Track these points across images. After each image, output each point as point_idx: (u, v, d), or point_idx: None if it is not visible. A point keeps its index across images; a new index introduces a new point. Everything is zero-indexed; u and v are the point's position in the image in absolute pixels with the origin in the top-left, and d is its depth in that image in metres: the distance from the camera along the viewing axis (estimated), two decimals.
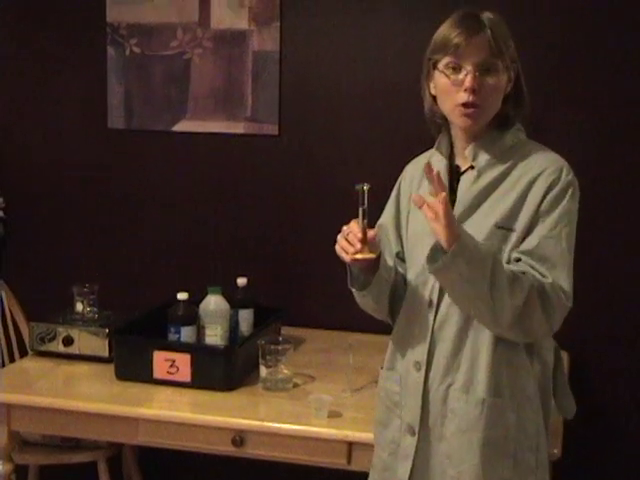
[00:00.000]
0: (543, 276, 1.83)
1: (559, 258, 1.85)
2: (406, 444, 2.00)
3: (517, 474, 1.92)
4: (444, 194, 1.76)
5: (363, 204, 1.93)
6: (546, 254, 1.85)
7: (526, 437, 1.92)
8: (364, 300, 2.06)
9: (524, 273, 1.83)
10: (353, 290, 2.05)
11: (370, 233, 1.90)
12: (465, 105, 1.90)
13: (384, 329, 2.21)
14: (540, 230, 1.87)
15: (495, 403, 1.90)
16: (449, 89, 1.92)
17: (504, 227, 1.89)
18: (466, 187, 1.97)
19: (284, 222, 3.33)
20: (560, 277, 1.84)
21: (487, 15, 1.92)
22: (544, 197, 1.88)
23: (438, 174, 1.79)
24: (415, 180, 2.12)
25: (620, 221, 3.03)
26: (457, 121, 1.95)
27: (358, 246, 1.90)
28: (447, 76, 1.91)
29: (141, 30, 3.35)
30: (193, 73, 3.33)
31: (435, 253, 1.82)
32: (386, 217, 2.16)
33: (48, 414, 2.59)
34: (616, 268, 3.04)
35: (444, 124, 2.04)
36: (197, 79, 3.34)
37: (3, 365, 3.14)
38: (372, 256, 1.91)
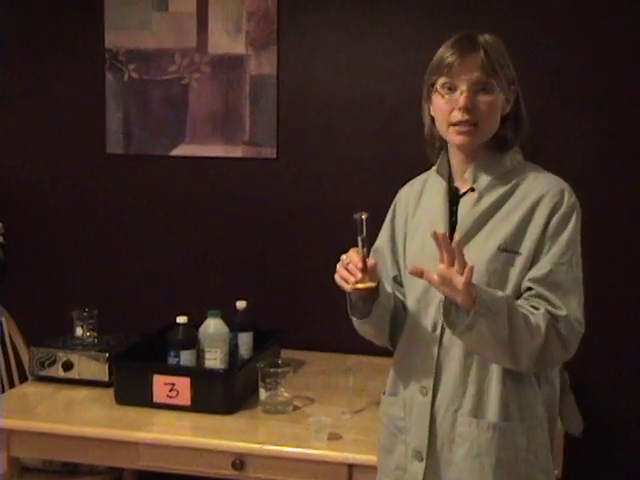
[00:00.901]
0: (556, 307, 1.83)
1: (571, 285, 1.85)
2: (414, 470, 1.98)
3: None
4: (470, 266, 1.72)
5: (362, 233, 1.93)
6: (558, 281, 1.84)
7: (537, 459, 1.91)
8: (364, 328, 2.06)
9: (537, 308, 1.82)
10: (353, 319, 2.05)
11: (370, 262, 1.90)
12: (460, 123, 1.91)
13: (384, 351, 2.21)
14: (550, 257, 1.86)
15: (506, 427, 1.89)
16: (444, 109, 1.93)
17: (508, 250, 1.88)
18: (467, 210, 1.96)
19: (283, 245, 3.34)
20: (573, 305, 1.84)
21: (484, 37, 1.93)
22: (549, 220, 1.88)
23: (444, 237, 1.76)
24: (410, 204, 2.11)
25: (620, 234, 3.05)
26: (453, 140, 1.95)
27: (359, 275, 1.90)
28: (442, 96, 1.93)
29: (139, 56, 3.38)
30: (191, 98, 3.36)
31: (449, 308, 1.82)
32: (381, 241, 2.15)
33: (48, 439, 2.58)
34: (616, 280, 3.06)
35: (443, 146, 2.05)
36: (195, 104, 3.36)
37: (3, 390, 3.14)
38: (373, 285, 1.91)
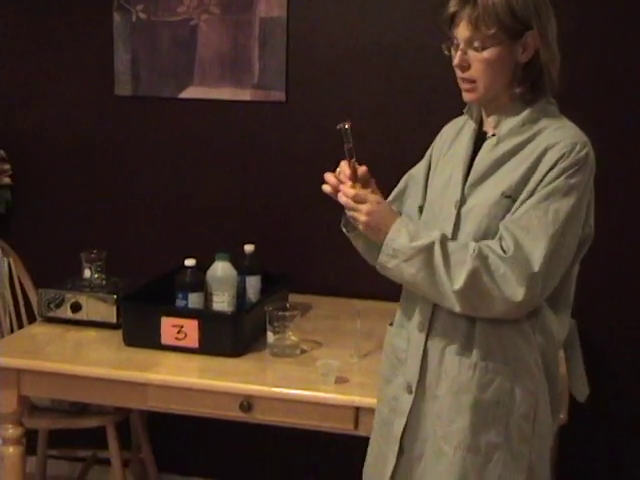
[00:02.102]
0: (505, 250, 1.83)
1: (540, 229, 1.83)
2: (403, 401, 2.03)
3: (507, 440, 1.92)
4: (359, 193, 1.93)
5: (349, 142, 1.99)
6: (529, 225, 1.83)
7: (521, 405, 1.92)
8: (357, 243, 2.10)
9: (475, 251, 1.83)
10: (344, 232, 2.11)
11: (361, 169, 1.98)
12: (461, 81, 1.93)
13: (392, 296, 2.21)
14: (530, 201, 1.85)
15: (487, 367, 1.91)
16: (454, 64, 1.94)
17: (510, 196, 1.88)
18: (484, 154, 1.96)
19: (292, 189, 3.33)
20: (534, 248, 1.82)
21: None
22: (549, 170, 1.85)
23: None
24: (447, 141, 2.12)
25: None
26: (463, 98, 1.97)
27: (348, 184, 1.96)
28: (451, 50, 1.94)
29: None
30: (200, 39, 3.32)
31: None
32: (417, 169, 2.19)
33: (57, 379, 2.61)
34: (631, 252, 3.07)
35: None
36: (204, 45, 3.32)
37: (12, 331, 3.16)
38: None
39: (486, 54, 1.88)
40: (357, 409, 2.38)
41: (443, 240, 1.88)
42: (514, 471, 1.93)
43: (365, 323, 2.72)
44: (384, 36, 3.16)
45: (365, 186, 1.97)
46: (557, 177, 1.84)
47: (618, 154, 2.97)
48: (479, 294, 1.84)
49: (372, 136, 3.18)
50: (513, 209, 1.87)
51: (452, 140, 2.10)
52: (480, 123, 2.03)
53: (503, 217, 1.88)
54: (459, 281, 1.83)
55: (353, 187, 1.96)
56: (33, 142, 3.55)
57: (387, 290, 2.20)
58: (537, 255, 1.82)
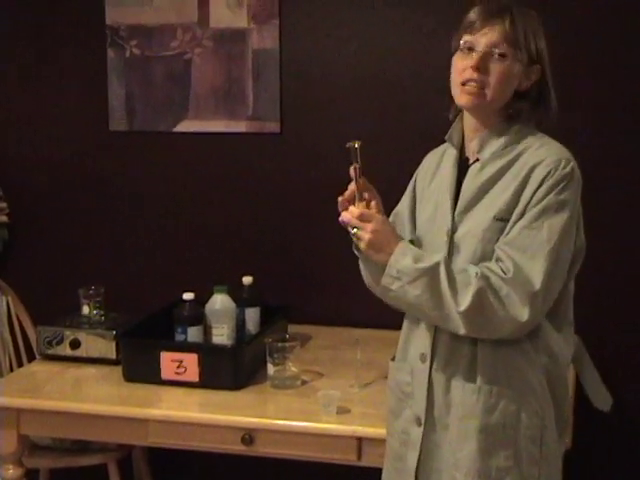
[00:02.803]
0: (505, 272, 1.83)
1: (537, 248, 1.83)
2: (414, 434, 2.01)
3: (517, 464, 1.91)
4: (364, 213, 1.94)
5: (357, 161, 2.00)
6: (524, 244, 1.83)
7: (528, 427, 1.91)
8: (369, 269, 2.04)
9: (478, 273, 1.83)
10: (360, 263, 2.07)
11: (366, 195, 1.99)
12: (468, 82, 1.90)
13: (391, 324, 2.21)
14: (523, 221, 1.85)
15: (491, 391, 1.90)
16: (459, 66, 1.92)
17: (502, 219, 1.89)
18: (470, 180, 1.97)
19: (288, 220, 3.33)
20: (533, 266, 1.82)
21: (520, 8, 1.91)
22: (537, 189, 1.86)
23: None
24: (429, 172, 2.12)
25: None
26: (459, 100, 1.94)
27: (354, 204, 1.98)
28: (462, 53, 1.92)
29: (141, 31, 3.35)
30: (194, 73, 3.33)
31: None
32: (402, 206, 2.18)
33: (57, 417, 2.59)
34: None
35: (460, 113, 2.04)
36: (198, 79, 3.33)
37: (11, 370, 3.15)
38: None
39: (505, 65, 1.89)
40: (359, 439, 2.36)
41: (447, 262, 1.88)
42: None
43: (365, 352, 2.71)
44: (377, 66, 3.18)
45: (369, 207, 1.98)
46: (546, 195, 1.85)
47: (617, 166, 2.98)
48: (485, 315, 1.84)
49: (366, 166, 3.18)
50: (505, 231, 1.87)
51: (434, 170, 2.10)
52: (461, 150, 2.03)
53: (497, 240, 1.88)
54: (465, 302, 1.83)
55: (358, 207, 1.96)
56: (29, 179, 3.55)
57: (386, 318, 2.20)
58: (537, 274, 1.82)
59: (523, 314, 1.82)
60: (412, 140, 3.15)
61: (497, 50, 1.88)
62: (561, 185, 1.85)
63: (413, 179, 2.19)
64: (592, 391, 2.08)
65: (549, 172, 1.86)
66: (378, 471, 2.29)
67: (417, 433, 2.00)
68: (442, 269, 1.85)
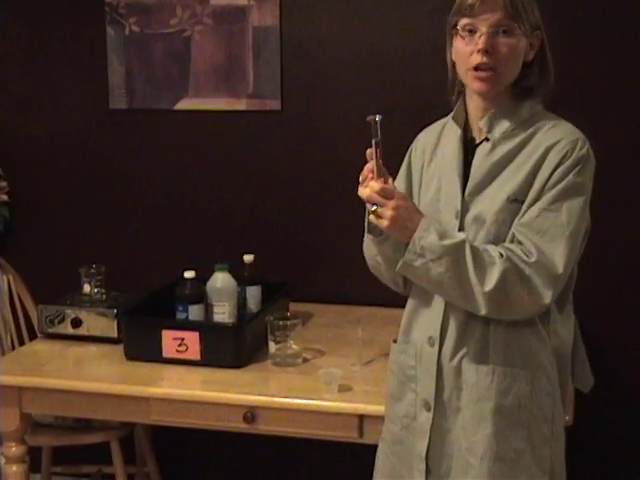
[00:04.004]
0: (528, 255, 1.82)
1: (557, 231, 1.82)
2: (422, 420, 1.99)
3: (531, 445, 1.91)
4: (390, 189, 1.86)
5: (376, 136, 1.92)
6: (544, 227, 1.83)
7: (540, 408, 1.91)
8: (379, 248, 1.99)
9: (502, 256, 1.82)
10: (368, 240, 2.01)
11: (385, 176, 1.90)
12: (478, 68, 1.86)
13: (392, 302, 2.21)
14: (541, 203, 1.84)
15: (505, 372, 1.89)
16: (464, 51, 1.89)
17: (517, 200, 1.87)
18: (480, 161, 1.94)
19: (289, 198, 3.32)
20: (555, 250, 1.82)
21: None
22: (555, 170, 1.84)
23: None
24: (427, 151, 2.07)
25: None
26: (472, 86, 1.91)
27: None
28: (463, 38, 1.88)
29: (140, 8, 3.32)
30: (194, 50, 3.31)
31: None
32: (398, 187, 2.08)
33: (59, 396, 2.59)
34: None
35: (463, 92, 2.00)
36: (198, 56, 3.32)
37: (13, 348, 3.15)
38: None
39: (512, 42, 1.86)
40: (361, 417, 2.36)
41: (468, 241, 1.86)
42: (538, 475, 1.92)
43: (366, 330, 2.71)
44: (378, 43, 3.16)
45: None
46: (564, 176, 1.84)
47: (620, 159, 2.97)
48: (509, 296, 1.83)
49: (367, 143, 3.17)
50: (521, 212, 1.86)
51: (432, 149, 2.06)
52: (464, 129, 1.99)
53: (512, 222, 1.87)
54: (490, 282, 1.81)
55: (378, 182, 1.87)
56: (30, 158, 3.54)
57: (388, 297, 2.19)
58: (559, 257, 1.82)
59: (546, 297, 1.83)
60: (413, 118, 3.12)
61: (502, 28, 1.85)
62: (579, 167, 1.84)
63: (406, 162, 2.14)
64: (577, 370, 2.08)
65: (566, 153, 1.84)
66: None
67: (426, 418, 1.98)
68: (467, 247, 1.83)
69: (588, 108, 2.96)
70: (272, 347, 2.63)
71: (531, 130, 1.91)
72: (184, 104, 3.35)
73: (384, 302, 2.38)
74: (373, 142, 1.92)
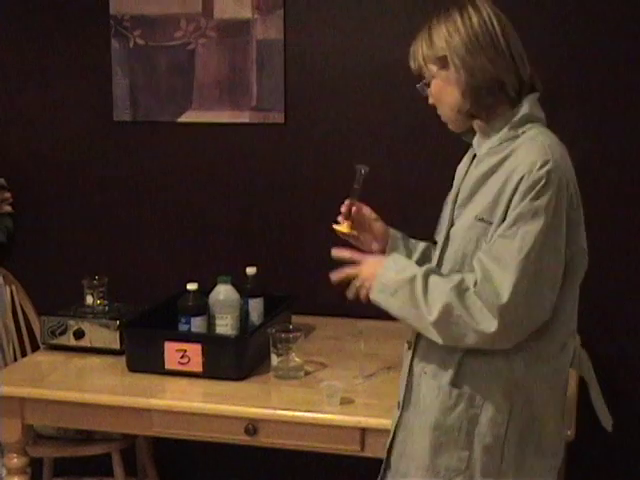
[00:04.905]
0: (474, 284, 1.82)
1: (509, 257, 1.80)
2: (394, 417, 2.07)
3: (470, 469, 1.92)
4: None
5: (358, 184, 2.18)
6: (498, 254, 1.81)
7: (485, 435, 1.90)
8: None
9: (455, 283, 1.84)
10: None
11: (353, 209, 2.16)
12: None
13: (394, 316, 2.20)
14: (500, 229, 1.83)
15: (451, 392, 1.92)
16: None
17: (484, 220, 1.87)
18: (468, 175, 1.99)
19: (292, 210, 3.33)
20: (503, 278, 1.79)
21: (439, 16, 1.95)
22: (514, 192, 1.82)
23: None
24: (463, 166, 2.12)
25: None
26: None
27: (340, 219, 2.18)
28: None
29: (145, 21, 3.34)
30: (197, 63, 3.33)
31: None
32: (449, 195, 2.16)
33: (61, 407, 2.59)
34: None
35: None
36: (202, 69, 3.33)
37: (15, 359, 3.15)
38: (349, 232, 2.18)
39: (435, 85, 1.97)
40: (363, 430, 2.36)
41: (427, 273, 1.89)
42: None
43: (369, 343, 2.71)
44: (382, 56, 3.17)
45: (358, 226, 2.18)
46: (521, 201, 1.81)
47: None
48: (454, 326, 1.84)
49: (370, 156, 3.19)
50: (488, 237, 1.86)
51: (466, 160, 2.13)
52: None
53: (477, 241, 1.88)
54: (434, 313, 1.84)
55: (347, 227, 2.16)
56: (34, 170, 3.55)
57: None
58: (506, 285, 1.79)
59: (489, 326, 1.80)
60: (416, 129, 3.15)
61: (424, 77, 1.99)
62: (535, 190, 1.79)
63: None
64: (596, 408, 2.08)
65: (522, 177, 1.81)
66: (381, 462, 2.30)
67: (396, 417, 2.06)
68: (419, 281, 1.87)
69: (589, 109, 2.97)
70: (274, 360, 2.63)
71: (512, 148, 1.90)
72: (188, 117, 3.37)
73: (387, 315, 2.36)
74: (353, 188, 2.20)
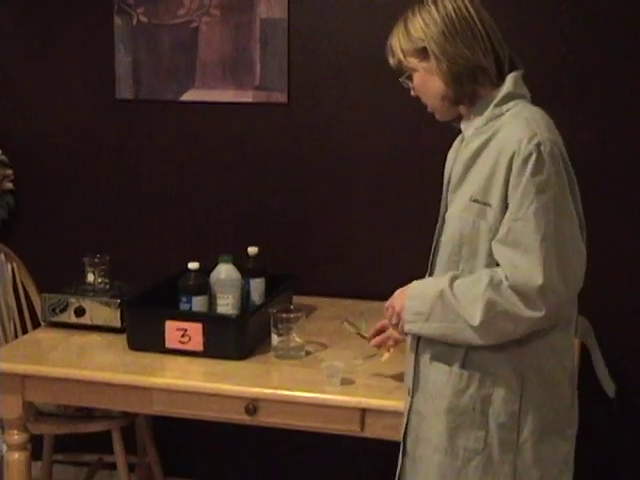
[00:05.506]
0: (507, 277, 1.82)
1: (528, 240, 1.80)
2: (406, 403, 2.08)
3: (488, 448, 1.93)
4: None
5: (357, 330, 2.61)
6: (516, 239, 1.81)
7: (499, 414, 1.91)
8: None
9: (487, 284, 1.83)
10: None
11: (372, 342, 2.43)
12: None
13: None
14: (508, 214, 1.83)
15: (462, 374, 1.93)
16: None
17: (478, 201, 1.88)
18: (458, 159, 2.00)
19: (294, 190, 3.32)
20: (530, 261, 1.80)
21: (412, 11, 1.98)
22: (508, 172, 1.83)
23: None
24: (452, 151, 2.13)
25: None
26: None
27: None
28: None
29: None
30: (201, 42, 3.31)
31: None
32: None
33: (62, 384, 2.60)
34: None
35: None
36: (205, 48, 3.31)
37: (16, 336, 3.15)
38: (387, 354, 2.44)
39: (416, 78, 2.00)
40: (363, 411, 2.36)
41: (451, 282, 1.90)
42: (495, 477, 1.93)
43: (370, 324, 2.70)
44: (386, 36, 3.13)
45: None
46: (520, 180, 1.81)
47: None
48: (500, 322, 1.84)
49: (373, 136, 3.18)
50: (492, 215, 1.85)
51: (455, 153, 2.12)
52: None
53: (473, 222, 1.88)
54: (477, 317, 1.84)
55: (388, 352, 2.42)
56: (35, 147, 3.54)
57: (391, 290, 2.19)
58: (535, 268, 1.80)
59: (535, 312, 1.81)
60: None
61: (404, 72, 2.02)
62: (529, 165, 1.80)
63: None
64: (599, 376, 2.09)
65: (512, 155, 1.82)
66: (381, 442, 2.31)
67: (407, 402, 2.06)
68: (447, 293, 1.89)
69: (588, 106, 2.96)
70: (275, 340, 2.63)
71: (497, 126, 1.91)
72: (190, 95, 3.35)
73: (388, 296, 2.37)
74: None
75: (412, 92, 2.05)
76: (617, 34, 2.96)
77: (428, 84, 1.98)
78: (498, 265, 1.86)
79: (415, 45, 1.95)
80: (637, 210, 3.02)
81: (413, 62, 1.97)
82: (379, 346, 2.42)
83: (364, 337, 2.51)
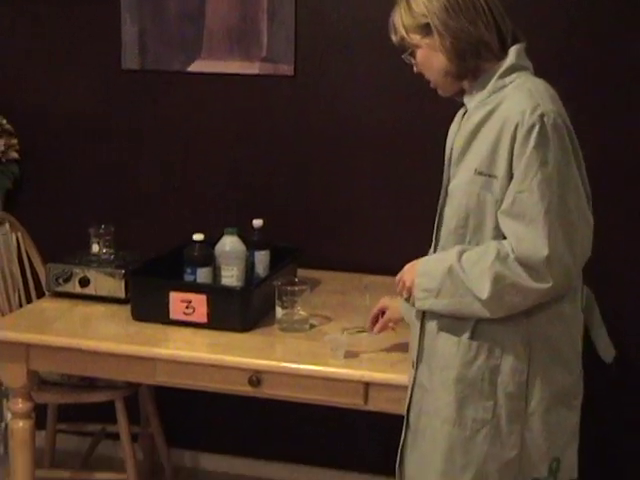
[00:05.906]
0: (513, 249, 1.83)
1: (533, 211, 1.81)
2: (410, 376, 2.09)
3: (496, 418, 1.94)
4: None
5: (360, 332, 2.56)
6: (521, 211, 1.82)
7: (505, 383, 1.93)
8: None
9: (494, 257, 1.84)
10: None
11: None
12: None
13: (400, 270, 2.20)
14: (512, 185, 1.84)
15: (470, 344, 1.93)
16: None
17: (483, 173, 1.88)
18: (460, 131, 2.00)
19: (300, 163, 3.31)
20: (534, 233, 1.81)
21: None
22: (512, 143, 1.83)
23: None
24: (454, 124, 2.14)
25: None
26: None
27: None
28: None
29: None
30: (208, 11, 3.28)
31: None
32: None
33: (66, 354, 2.60)
34: None
35: None
36: (212, 18, 3.28)
37: (20, 306, 3.16)
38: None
39: (419, 54, 1.99)
40: (366, 384, 2.36)
41: (459, 256, 1.90)
42: (503, 447, 1.95)
43: (374, 298, 2.70)
44: (393, 7, 3.12)
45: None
46: (524, 151, 1.81)
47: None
48: (508, 295, 1.85)
49: (380, 109, 3.16)
50: (496, 192, 1.86)
51: (457, 126, 2.12)
52: None
53: (478, 195, 1.88)
54: (485, 291, 1.85)
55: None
56: (40, 116, 3.53)
57: (396, 265, 2.19)
58: (541, 239, 1.80)
59: (543, 283, 1.82)
60: (426, 83, 3.11)
61: (406, 48, 2.02)
62: (533, 136, 1.81)
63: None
64: (597, 341, 2.09)
65: (516, 126, 1.83)
66: (384, 415, 2.31)
67: (411, 375, 2.08)
68: (456, 267, 1.89)
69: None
70: (279, 312, 2.63)
71: (500, 98, 1.92)
72: (197, 66, 3.33)
73: (392, 270, 2.37)
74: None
75: (415, 68, 2.04)
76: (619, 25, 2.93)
77: (431, 60, 1.98)
78: (505, 237, 1.86)
79: (418, 21, 1.95)
80: (637, 210, 3.02)
81: (416, 38, 1.97)
82: (381, 332, 2.43)
83: (364, 331, 2.51)
